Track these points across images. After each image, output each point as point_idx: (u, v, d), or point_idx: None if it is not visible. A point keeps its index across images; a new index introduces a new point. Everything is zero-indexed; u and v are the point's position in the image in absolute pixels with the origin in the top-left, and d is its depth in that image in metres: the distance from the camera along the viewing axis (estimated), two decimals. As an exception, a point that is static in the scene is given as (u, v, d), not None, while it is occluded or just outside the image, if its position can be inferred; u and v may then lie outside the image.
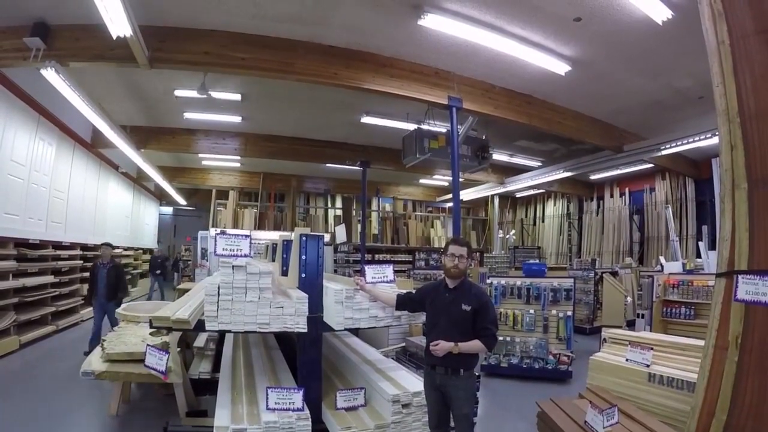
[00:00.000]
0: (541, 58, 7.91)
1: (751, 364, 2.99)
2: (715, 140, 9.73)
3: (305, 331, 3.95)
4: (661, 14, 6.49)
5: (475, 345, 3.51)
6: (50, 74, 7.08)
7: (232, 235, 3.99)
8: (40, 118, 9.46)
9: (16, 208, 8.80)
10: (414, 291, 4.20)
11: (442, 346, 3.49)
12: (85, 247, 12.06)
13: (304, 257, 4.42)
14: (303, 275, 4.40)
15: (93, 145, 12.55)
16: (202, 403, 5.26)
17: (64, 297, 10.72)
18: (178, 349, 5.52)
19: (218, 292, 3.74)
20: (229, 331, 3.96)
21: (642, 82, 9.15)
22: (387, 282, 4.33)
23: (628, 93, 9.71)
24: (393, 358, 5.50)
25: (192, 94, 9.27)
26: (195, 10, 6.88)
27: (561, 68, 8.20)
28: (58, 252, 10.42)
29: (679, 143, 11.18)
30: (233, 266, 3.78)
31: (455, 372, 3.53)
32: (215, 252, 3.90)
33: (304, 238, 4.43)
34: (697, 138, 10.63)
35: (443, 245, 4.23)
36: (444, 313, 3.65)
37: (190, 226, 23.94)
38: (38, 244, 9.57)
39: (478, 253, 19.25)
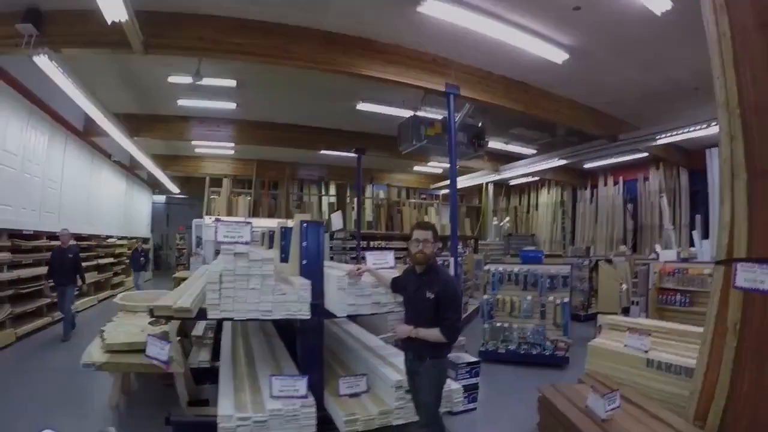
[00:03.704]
0: (539, 47, 7.84)
1: (749, 350, 3.03)
2: (709, 131, 9.96)
3: (308, 317, 3.94)
4: (660, 6, 6.46)
5: (433, 333, 3.43)
6: (43, 61, 6.91)
7: (233, 222, 3.97)
8: (32, 106, 9.30)
9: (9, 198, 8.67)
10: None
11: (401, 329, 3.58)
12: (79, 237, 11.87)
13: (305, 243, 4.40)
14: (304, 261, 4.39)
15: (85, 134, 12.39)
16: (202, 392, 5.23)
17: (59, 287, 10.54)
18: (177, 338, 5.50)
19: (220, 279, 3.72)
20: (232, 319, 3.95)
21: (638, 72, 9.13)
22: (388, 268, 4.31)
23: (625, 83, 9.68)
24: (393, 345, 5.50)
25: (186, 80, 9.12)
26: (190, -5, 6.78)
27: (559, 57, 8.14)
28: (53, 242, 10.26)
29: (673, 133, 11.22)
30: (235, 253, 3.76)
31: (421, 359, 3.55)
32: (217, 239, 3.87)
33: (304, 225, 4.41)
34: (691, 128, 10.67)
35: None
36: (411, 300, 3.69)
37: (183, 215, 23.77)
38: (32, 234, 9.48)
39: (472, 241, 19.25)
